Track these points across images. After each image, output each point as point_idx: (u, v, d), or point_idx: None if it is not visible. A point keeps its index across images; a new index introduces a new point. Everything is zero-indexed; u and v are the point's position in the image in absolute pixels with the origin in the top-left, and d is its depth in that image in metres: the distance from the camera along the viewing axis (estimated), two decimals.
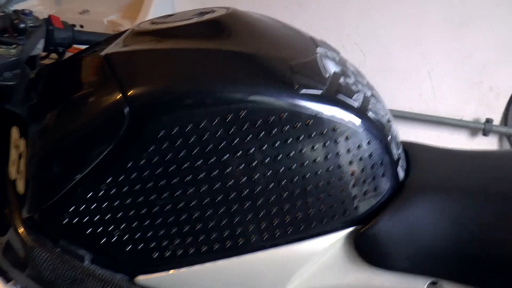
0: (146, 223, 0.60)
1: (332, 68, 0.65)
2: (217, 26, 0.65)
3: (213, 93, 0.57)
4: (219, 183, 0.58)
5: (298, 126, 0.58)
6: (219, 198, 0.59)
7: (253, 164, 0.58)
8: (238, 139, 0.57)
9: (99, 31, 1.00)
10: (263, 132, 0.57)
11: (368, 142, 0.62)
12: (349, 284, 0.65)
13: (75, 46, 0.90)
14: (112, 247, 0.62)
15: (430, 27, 1.53)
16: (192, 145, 0.57)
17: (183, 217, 0.59)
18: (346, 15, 1.60)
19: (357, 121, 0.61)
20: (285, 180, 0.59)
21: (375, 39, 1.59)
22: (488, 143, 1.63)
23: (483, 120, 1.59)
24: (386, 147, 0.64)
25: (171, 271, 0.63)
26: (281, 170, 0.59)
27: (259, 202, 0.60)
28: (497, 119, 1.60)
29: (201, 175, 0.58)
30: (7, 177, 0.71)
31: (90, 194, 0.59)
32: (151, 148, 0.57)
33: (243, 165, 0.58)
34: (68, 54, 0.82)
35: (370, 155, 0.62)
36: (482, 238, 0.62)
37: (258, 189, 0.59)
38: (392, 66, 1.61)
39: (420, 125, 1.67)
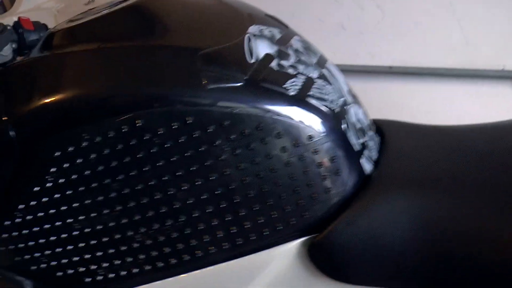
0: (69, 247, 0.54)
1: (263, 50, 0.54)
2: (125, 18, 0.56)
3: (101, 104, 0.49)
4: (131, 202, 0.51)
5: (211, 129, 0.49)
6: (137, 217, 0.52)
7: (166, 178, 0.50)
8: (142, 152, 0.49)
9: None
10: (169, 142, 0.49)
11: (310, 137, 0.51)
12: None
13: None
14: (44, 274, 0.57)
15: None
16: (94, 163, 0.50)
17: (101, 240, 0.53)
18: None
19: (291, 112, 0.50)
20: (207, 194, 0.51)
21: None
22: None
23: None
24: (338, 139, 0.53)
25: None
26: (200, 184, 0.50)
27: (190, 217, 0.52)
28: None
29: (112, 194, 0.51)
30: None
31: (7, 222, 0.54)
32: (53, 170, 0.50)
33: (157, 181, 0.50)
34: None
35: (315, 152, 0.51)
36: (462, 241, 0.50)
37: (180, 205, 0.51)
38: (415, 20, 1.42)
39: (456, 81, 1.47)
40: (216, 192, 0.51)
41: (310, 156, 0.51)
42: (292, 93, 0.51)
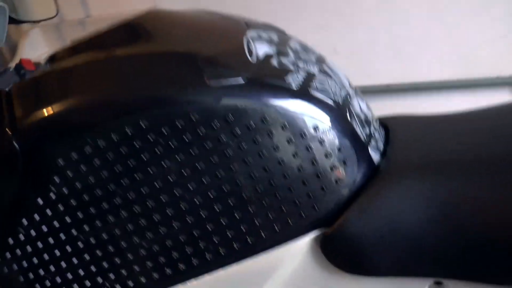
0: (74, 260, 0.53)
1: (263, 50, 0.55)
2: (128, 32, 0.58)
3: (104, 108, 0.49)
4: (138, 207, 0.51)
5: (217, 125, 0.49)
6: (143, 223, 0.51)
7: (172, 179, 0.50)
8: (147, 153, 0.49)
9: None
10: (174, 141, 0.49)
11: (315, 128, 0.51)
12: None
13: None
14: None
15: None
16: (98, 169, 0.50)
17: (107, 250, 0.52)
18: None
19: (294, 105, 0.51)
20: (215, 192, 0.51)
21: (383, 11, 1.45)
22: None
23: None
24: (344, 129, 0.54)
25: None
26: (207, 182, 0.50)
27: (198, 218, 0.51)
28: None
29: (118, 201, 0.50)
30: None
31: (11, 240, 0.53)
32: (56, 180, 0.50)
33: (163, 183, 0.50)
34: None
35: (321, 142, 0.51)
36: (481, 221, 0.49)
37: (188, 206, 0.51)
38: (407, 35, 1.45)
39: (455, 92, 1.49)
40: (224, 190, 0.51)
41: (317, 146, 0.51)
42: (294, 87, 0.52)
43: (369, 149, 0.56)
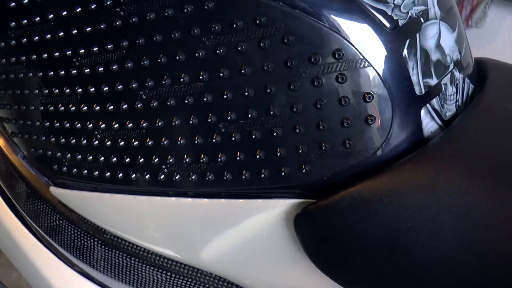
0: (38, 124, 0.44)
1: None
2: None
3: None
4: (96, 82, 0.38)
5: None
6: (96, 103, 0.39)
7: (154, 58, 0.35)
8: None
9: None
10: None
11: (338, 52, 0.32)
12: (285, 283, 0.40)
13: None
14: (25, 146, 0.49)
15: None
16: (53, 26, 0.37)
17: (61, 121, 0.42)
18: None
19: (315, 5, 0.32)
20: (195, 96, 0.35)
21: None
22: None
23: None
24: (389, 67, 0.33)
25: (77, 192, 0.48)
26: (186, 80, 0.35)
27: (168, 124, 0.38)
28: None
29: (73, 71, 0.39)
30: None
31: None
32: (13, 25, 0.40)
33: (134, 61, 0.36)
34: None
35: (341, 78, 0.32)
36: None
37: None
38: None
39: None
40: (204, 98, 0.35)
41: (330, 82, 0.33)
42: None
43: (422, 111, 0.35)
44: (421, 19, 0.35)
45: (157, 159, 0.39)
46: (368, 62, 0.33)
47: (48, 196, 0.51)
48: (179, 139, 0.37)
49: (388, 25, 0.33)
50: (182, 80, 0.35)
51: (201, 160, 0.37)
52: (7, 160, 0.54)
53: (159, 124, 0.37)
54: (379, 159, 0.35)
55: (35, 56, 0.41)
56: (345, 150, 0.34)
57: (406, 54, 0.34)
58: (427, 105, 0.35)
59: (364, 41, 0.33)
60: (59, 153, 0.45)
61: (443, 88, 0.36)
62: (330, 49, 0.32)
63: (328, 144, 0.34)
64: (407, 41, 0.34)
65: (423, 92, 0.35)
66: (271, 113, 0.34)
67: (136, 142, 0.39)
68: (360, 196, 0.33)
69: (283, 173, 0.35)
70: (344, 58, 0.32)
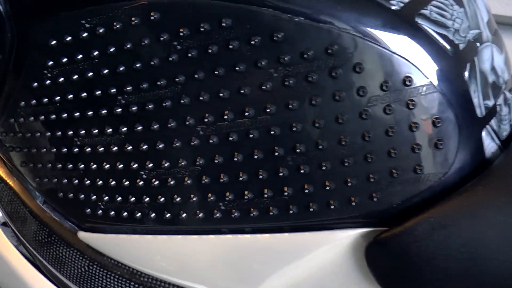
0: (69, 165, 0.42)
1: None
2: None
3: None
4: (141, 122, 0.36)
5: (255, 41, 0.31)
6: (141, 145, 0.37)
7: (189, 93, 0.34)
8: (162, 53, 0.33)
9: None
10: (194, 41, 0.33)
11: (408, 80, 0.32)
12: None
13: None
14: (49, 191, 0.46)
15: None
16: (97, 63, 0.35)
17: (101, 166, 0.40)
18: None
19: (385, 35, 0.32)
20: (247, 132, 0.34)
21: None
22: None
23: None
24: (454, 92, 0.34)
25: (112, 235, 0.45)
26: (233, 117, 0.34)
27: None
28: None
29: (118, 110, 0.37)
30: None
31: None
32: (50, 63, 0.37)
33: (173, 100, 0.35)
34: None
35: (411, 104, 0.32)
36: None
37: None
38: None
39: None
40: (271, 132, 0.34)
41: (401, 109, 0.32)
42: (394, 6, 0.32)
43: (483, 132, 0.36)
44: (477, 43, 0.36)
45: (213, 197, 0.37)
46: (435, 87, 0.33)
47: (74, 242, 0.48)
48: (241, 174, 0.36)
49: (450, 49, 0.34)
50: (246, 114, 0.34)
51: (265, 195, 0.36)
52: (25, 206, 0.51)
53: (219, 160, 0.36)
54: (446, 183, 0.35)
55: (72, 96, 0.38)
56: (415, 176, 0.34)
57: (468, 78, 0.34)
58: (487, 126, 0.36)
59: (431, 67, 0.33)
60: (95, 196, 0.42)
61: (498, 109, 0.37)
62: (401, 76, 0.32)
63: (399, 171, 0.34)
64: (468, 65, 0.34)
65: (484, 114, 0.36)
66: (343, 143, 0.33)
67: (190, 181, 0.37)
68: (437, 221, 0.33)
69: (353, 203, 0.35)
70: (413, 84, 0.32)
